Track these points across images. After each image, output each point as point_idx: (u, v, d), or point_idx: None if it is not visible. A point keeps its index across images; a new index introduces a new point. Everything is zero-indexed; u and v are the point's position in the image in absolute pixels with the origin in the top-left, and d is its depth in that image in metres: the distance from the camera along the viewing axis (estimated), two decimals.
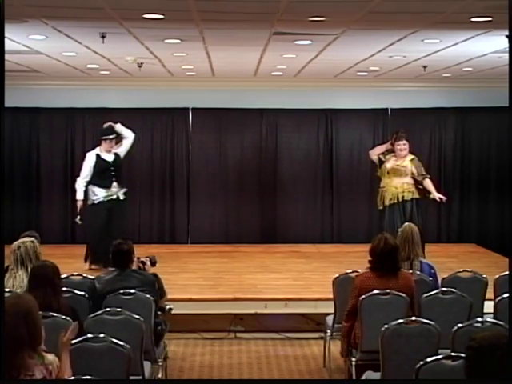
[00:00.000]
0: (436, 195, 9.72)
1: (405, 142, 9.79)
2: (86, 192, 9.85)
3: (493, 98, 11.84)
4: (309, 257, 11.15)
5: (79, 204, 9.82)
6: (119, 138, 10.04)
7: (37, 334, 3.51)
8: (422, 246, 7.01)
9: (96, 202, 9.75)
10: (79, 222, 9.82)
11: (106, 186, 9.76)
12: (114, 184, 9.79)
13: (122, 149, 10.02)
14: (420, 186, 9.71)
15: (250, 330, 8.09)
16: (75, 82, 11.90)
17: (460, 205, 12.57)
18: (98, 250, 9.72)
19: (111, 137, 9.85)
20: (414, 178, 9.71)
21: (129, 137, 10.05)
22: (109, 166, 9.79)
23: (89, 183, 9.79)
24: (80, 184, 9.83)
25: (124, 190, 9.94)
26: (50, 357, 3.55)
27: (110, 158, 9.85)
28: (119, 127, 9.99)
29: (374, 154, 10.07)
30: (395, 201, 9.66)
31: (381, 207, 9.87)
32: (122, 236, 9.31)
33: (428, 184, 9.72)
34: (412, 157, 9.84)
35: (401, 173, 9.70)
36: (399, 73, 10.90)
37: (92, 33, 7.26)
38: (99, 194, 9.75)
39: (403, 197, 9.66)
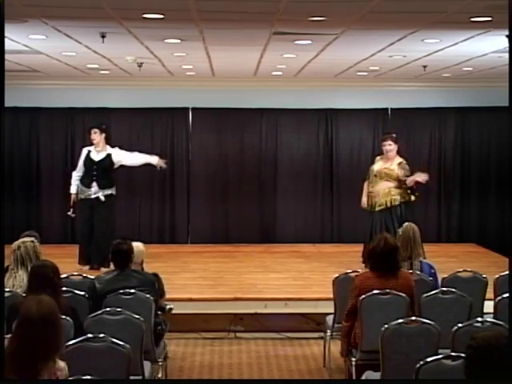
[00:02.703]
0: (414, 178, 9.33)
1: (390, 142, 9.56)
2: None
3: (493, 97, 11.84)
4: (309, 257, 11.14)
5: (72, 197, 9.88)
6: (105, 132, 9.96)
7: (61, 338, 3.46)
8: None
9: (81, 198, 9.80)
10: (72, 215, 9.95)
11: (86, 184, 9.75)
12: (94, 184, 9.70)
13: (120, 157, 9.87)
14: (404, 186, 9.42)
15: (250, 330, 8.09)
16: (75, 81, 11.90)
17: (460, 204, 12.57)
18: (83, 249, 9.87)
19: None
20: (399, 179, 9.44)
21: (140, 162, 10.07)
22: (92, 165, 9.74)
23: (80, 178, 9.87)
24: (73, 178, 9.91)
25: (107, 192, 9.74)
26: (62, 363, 3.51)
27: (97, 156, 9.78)
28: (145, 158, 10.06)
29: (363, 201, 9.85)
30: (384, 206, 9.45)
31: (370, 210, 9.64)
32: (103, 238, 9.47)
33: (409, 178, 9.39)
34: (400, 160, 9.60)
35: (388, 176, 9.47)
36: (399, 73, 10.90)
37: (92, 33, 7.26)
38: (83, 191, 9.78)
39: (391, 202, 9.42)
